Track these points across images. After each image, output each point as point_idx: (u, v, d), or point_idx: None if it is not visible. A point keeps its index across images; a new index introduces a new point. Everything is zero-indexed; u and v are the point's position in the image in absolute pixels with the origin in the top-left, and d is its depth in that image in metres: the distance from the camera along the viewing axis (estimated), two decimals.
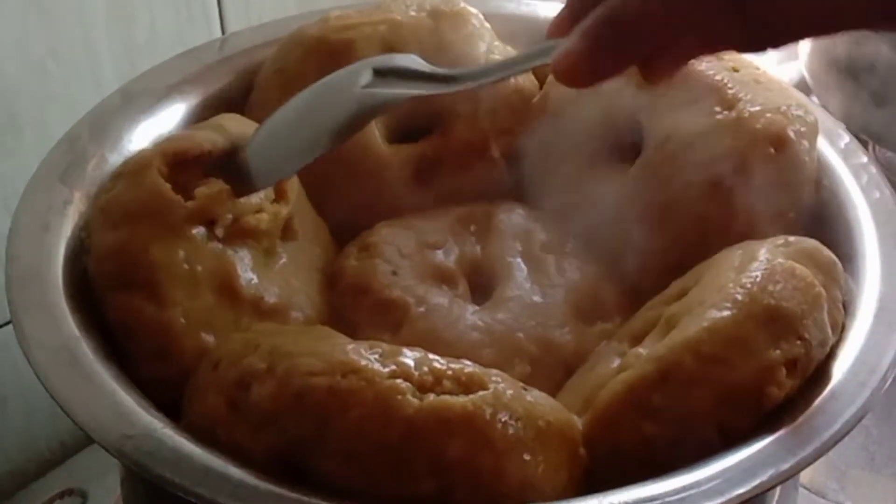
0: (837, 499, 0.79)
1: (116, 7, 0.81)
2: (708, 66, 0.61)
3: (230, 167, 0.56)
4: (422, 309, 0.57)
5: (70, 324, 0.52)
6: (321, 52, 0.65)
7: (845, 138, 0.64)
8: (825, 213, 0.60)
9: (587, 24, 0.45)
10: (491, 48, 0.67)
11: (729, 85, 0.61)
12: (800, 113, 0.61)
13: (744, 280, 0.49)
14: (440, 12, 0.67)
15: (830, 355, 0.51)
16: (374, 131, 0.64)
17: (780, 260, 0.50)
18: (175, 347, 0.53)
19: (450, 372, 0.47)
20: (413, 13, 0.67)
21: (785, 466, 0.45)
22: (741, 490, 0.44)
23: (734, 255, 0.53)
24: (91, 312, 0.54)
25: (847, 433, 0.47)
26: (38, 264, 0.54)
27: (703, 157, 0.59)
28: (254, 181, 0.55)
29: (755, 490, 0.45)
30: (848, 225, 0.59)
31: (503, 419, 0.46)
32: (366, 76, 0.55)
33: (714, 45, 0.47)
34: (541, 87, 0.68)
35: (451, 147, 0.65)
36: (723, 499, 0.44)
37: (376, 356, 0.47)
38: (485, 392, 0.46)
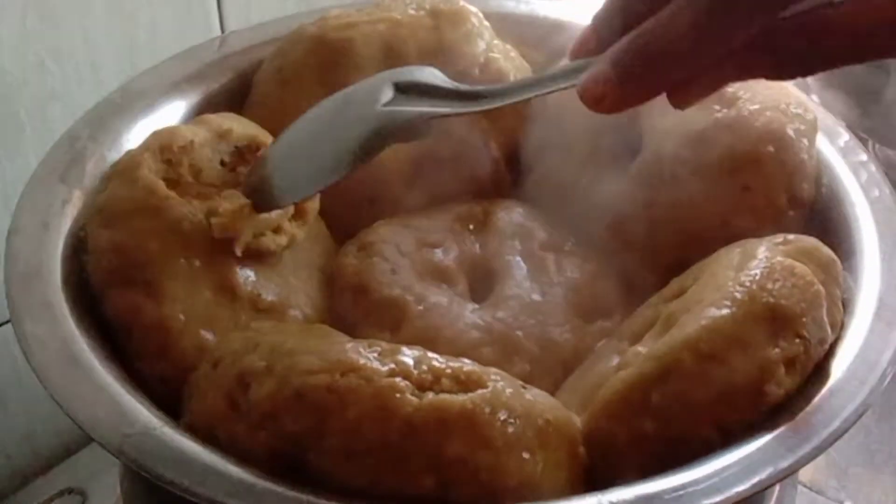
0: (837, 497, 0.79)
1: (116, 6, 0.81)
2: None
3: (252, 181, 0.57)
4: (421, 307, 0.58)
5: (69, 322, 0.52)
6: (320, 51, 0.65)
7: (845, 136, 0.64)
8: (825, 211, 0.60)
9: (618, 51, 0.45)
10: (490, 46, 0.67)
11: None
12: (799, 111, 0.61)
13: (743, 278, 0.49)
14: (439, 11, 0.67)
15: (829, 353, 0.50)
16: None
17: (780, 258, 0.50)
18: (174, 345, 0.53)
19: (449, 370, 0.47)
20: (412, 12, 0.67)
21: (784, 464, 0.45)
22: (740, 488, 0.44)
23: (733, 253, 0.53)
24: (90, 311, 0.54)
25: (846, 431, 0.47)
26: (38, 263, 0.54)
27: (702, 155, 0.59)
28: (276, 198, 0.55)
29: (754, 488, 0.45)
30: (847, 223, 0.59)
31: (502, 417, 0.46)
32: (387, 92, 0.54)
33: (744, 74, 0.47)
34: None
35: (450, 145, 0.65)
36: (722, 497, 0.44)
37: (375, 355, 0.47)
38: (484, 390, 0.46)
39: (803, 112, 0.61)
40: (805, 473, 0.79)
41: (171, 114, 0.65)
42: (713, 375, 0.47)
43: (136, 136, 0.62)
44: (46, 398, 0.48)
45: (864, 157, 0.62)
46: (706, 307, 0.49)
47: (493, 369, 0.48)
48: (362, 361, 0.46)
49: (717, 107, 0.60)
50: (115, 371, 0.51)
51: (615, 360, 0.52)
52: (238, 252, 0.55)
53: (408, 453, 0.45)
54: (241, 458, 0.46)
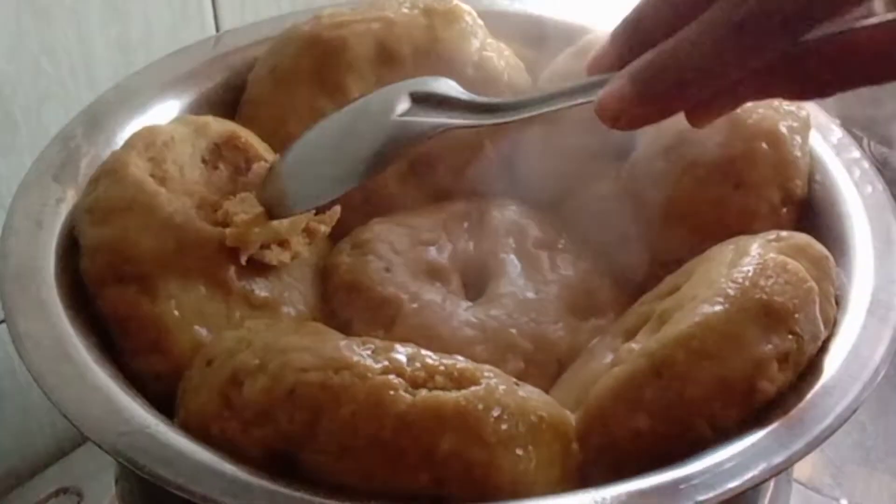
0: (833, 494, 0.79)
1: (111, 5, 0.81)
2: None
3: (266, 188, 0.57)
4: (415, 305, 0.57)
5: (64, 321, 0.52)
6: (314, 50, 0.65)
7: (838, 133, 0.64)
8: (818, 207, 0.60)
9: (637, 69, 0.45)
10: (484, 45, 0.67)
11: None
12: (792, 108, 0.61)
13: (735, 275, 0.49)
14: (433, 10, 0.67)
15: (822, 349, 0.50)
16: None
17: (772, 255, 0.51)
18: (169, 341, 0.53)
19: (442, 367, 0.47)
20: (406, 11, 0.67)
21: (777, 460, 0.45)
22: (733, 484, 0.44)
23: (726, 250, 0.53)
24: (85, 310, 0.54)
25: (839, 427, 0.47)
26: (32, 262, 0.54)
27: (695, 153, 0.59)
28: (290, 207, 0.55)
29: (747, 483, 0.45)
30: (840, 220, 0.59)
31: (495, 414, 0.46)
32: (403, 102, 0.54)
33: (763, 94, 0.47)
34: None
35: (445, 143, 0.65)
36: (715, 492, 0.44)
37: (368, 352, 0.47)
38: (477, 387, 0.46)
39: (796, 109, 0.61)
40: (800, 471, 0.79)
41: (165, 113, 0.65)
42: (706, 372, 0.47)
43: (130, 135, 0.62)
44: (42, 397, 0.48)
45: (857, 153, 0.62)
46: (699, 304, 0.49)
47: (487, 366, 0.48)
48: (356, 359, 0.46)
49: None
50: (110, 369, 0.51)
51: (609, 358, 0.52)
52: (243, 261, 0.56)
53: (401, 450, 0.45)
54: (236, 455, 0.46)
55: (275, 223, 0.56)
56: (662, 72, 0.44)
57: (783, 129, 0.60)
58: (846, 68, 0.44)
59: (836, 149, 0.63)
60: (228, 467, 0.45)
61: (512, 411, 0.46)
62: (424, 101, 0.55)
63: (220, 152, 0.60)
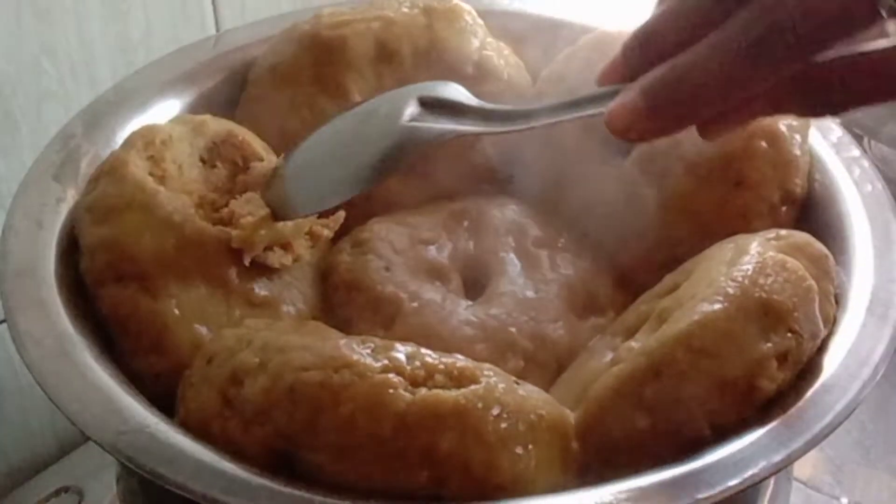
0: (833, 493, 0.79)
1: (111, 5, 0.81)
2: None
3: (270, 190, 0.57)
4: (415, 304, 0.58)
5: (64, 320, 0.52)
6: (314, 49, 0.66)
7: (838, 132, 0.64)
8: (817, 206, 0.60)
9: (649, 82, 0.45)
10: (484, 44, 0.68)
11: None
12: None
13: (735, 273, 0.49)
14: (433, 9, 0.67)
15: (822, 348, 0.51)
16: None
17: (772, 253, 0.51)
18: (170, 339, 0.53)
19: (442, 366, 0.47)
20: (406, 10, 0.67)
21: (776, 458, 0.45)
22: (733, 482, 0.45)
23: (726, 248, 0.53)
24: (85, 309, 0.54)
25: (838, 425, 0.47)
26: (32, 261, 0.54)
27: (695, 151, 0.59)
28: (292, 209, 0.55)
29: (747, 482, 0.45)
30: (840, 218, 0.59)
31: (495, 413, 0.46)
32: (412, 107, 0.54)
33: (775, 111, 0.47)
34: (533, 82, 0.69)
35: (444, 142, 0.65)
36: (715, 490, 0.44)
37: (368, 351, 0.47)
38: (476, 386, 0.46)
39: None
40: (801, 470, 0.79)
41: (165, 112, 0.65)
42: (705, 370, 0.47)
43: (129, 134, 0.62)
44: (43, 397, 0.48)
45: (856, 152, 0.62)
46: (699, 303, 0.49)
47: (487, 365, 0.48)
48: (355, 357, 0.46)
49: None
50: (110, 368, 0.51)
51: (608, 356, 0.52)
52: (246, 262, 0.56)
53: (401, 449, 0.45)
54: (236, 454, 0.46)
55: (279, 225, 0.56)
56: (674, 87, 0.44)
57: (783, 128, 0.60)
58: (858, 88, 0.44)
59: (835, 147, 0.63)
60: (228, 466, 0.45)
61: (511, 410, 0.46)
62: (433, 106, 0.55)
63: (219, 151, 0.60)
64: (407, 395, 0.45)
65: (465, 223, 0.63)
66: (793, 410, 0.47)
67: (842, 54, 0.43)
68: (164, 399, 0.51)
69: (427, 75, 0.66)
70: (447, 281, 0.60)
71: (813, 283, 0.50)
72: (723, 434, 0.47)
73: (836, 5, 0.41)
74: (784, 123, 0.60)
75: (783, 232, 0.54)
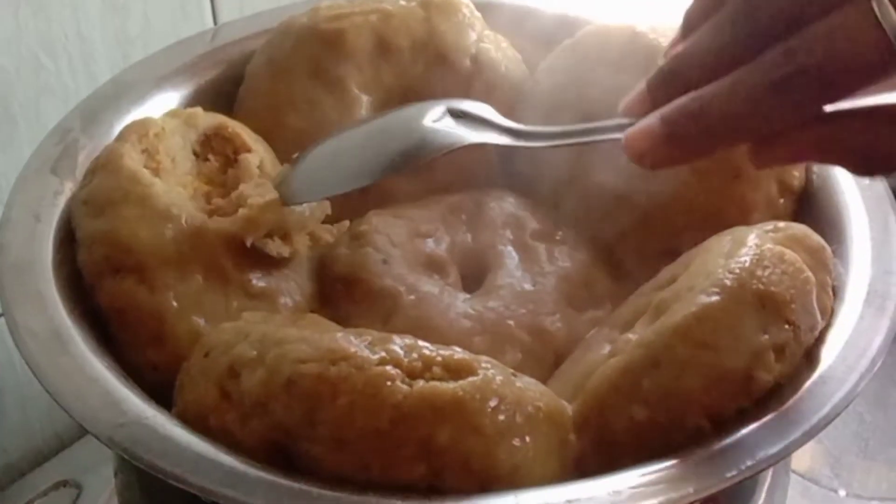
0: (831, 485, 0.79)
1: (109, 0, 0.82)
2: None
3: (280, 174, 0.57)
4: (413, 297, 0.58)
5: (61, 313, 0.52)
6: (311, 42, 0.66)
7: None
8: (815, 198, 0.60)
9: (669, 111, 0.46)
10: (481, 37, 0.68)
11: None
12: None
13: (733, 265, 0.49)
14: (430, 2, 0.67)
15: (820, 340, 0.51)
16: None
17: (770, 245, 0.51)
18: (168, 331, 0.53)
19: (439, 358, 0.47)
20: (403, 3, 0.67)
21: (774, 450, 0.45)
22: (731, 473, 0.45)
23: (724, 240, 0.53)
24: (82, 302, 0.54)
25: (836, 417, 0.47)
26: (30, 254, 0.54)
27: None
28: (293, 194, 0.56)
29: (745, 473, 0.45)
30: (838, 210, 0.59)
31: (492, 405, 0.46)
32: (438, 112, 0.55)
33: (821, 160, 0.48)
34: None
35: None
36: (712, 482, 0.44)
37: (366, 343, 0.47)
38: (474, 378, 0.46)
39: None
40: (799, 462, 0.80)
41: (162, 105, 0.65)
42: (703, 362, 0.47)
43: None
44: (41, 391, 0.48)
45: None
46: (696, 294, 0.49)
47: (484, 357, 0.48)
48: (353, 350, 0.46)
49: None
50: (107, 361, 0.51)
51: (606, 349, 0.52)
52: (248, 243, 0.56)
53: (398, 441, 0.45)
54: (233, 446, 0.46)
55: (285, 212, 0.56)
56: (694, 117, 0.45)
57: None
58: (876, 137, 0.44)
59: None
60: (226, 458, 0.46)
61: (509, 402, 0.46)
62: (459, 116, 0.56)
63: (210, 144, 0.61)
64: (404, 387, 0.45)
65: (463, 216, 0.63)
66: (791, 402, 0.47)
67: (862, 107, 0.44)
68: (161, 391, 0.51)
69: (425, 68, 0.66)
70: (445, 274, 0.60)
71: (811, 274, 0.50)
72: (721, 425, 0.47)
73: (859, 53, 0.41)
74: None
75: (781, 224, 0.54)
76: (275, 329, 0.49)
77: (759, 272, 0.49)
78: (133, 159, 0.56)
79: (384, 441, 0.45)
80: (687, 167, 0.59)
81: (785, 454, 0.46)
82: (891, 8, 0.40)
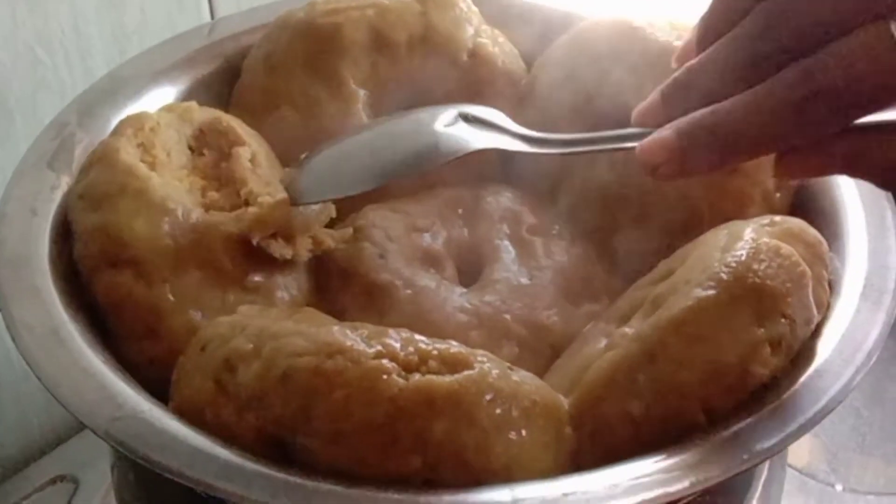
0: (828, 480, 0.79)
1: None
2: None
3: (288, 174, 0.58)
4: (409, 292, 0.58)
5: (58, 307, 0.52)
6: (308, 36, 0.65)
7: None
8: (812, 192, 0.60)
9: (688, 123, 0.46)
10: (478, 31, 0.67)
11: None
12: None
13: (729, 259, 0.49)
14: None
15: (816, 333, 0.51)
16: (362, 114, 0.65)
17: (766, 239, 0.51)
18: (164, 325, 0.53)
19: (435, 352, 0.47)
20: None
21: (770, 443, 0.46)
22: (727, 466, 0.45)
23: (720, 234, 0.53)
24: (79, 296, 0.54)
25: (832, 410, 0.47)
26: (26, 249, 0.54)
27: None
28: (300, 195, 0.56)
29: (740, 467, 0.45)
30: (834, 204, 0.59)
31: (489, 398, 0.46)
32: (449, 117, 0.55)
33: (849, 173, 0.48)
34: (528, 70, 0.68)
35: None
36: (708, 475, 0.44)
37: (362, 337, 0.47)
38: (470, 371, 0.46)
39: None
40: (796, 457, 0.80)
41: (159, 100, 0.65)
42: (699, 356, 0.47)
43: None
44: (38, 385, 0.48)
45: None
46: (692, 288, 0.49)
47: (480, 351, 0.48)
48: (349, 343, 0.46)
49: None
50: (104, 355, 0.51)
51: (603, 343, 0.52)
52: (255, 242, 0.56)
53: (394, 434, 0.45)
54: (229, 440, 0.46)
55: (293, 213, 0.56)
56: (711, 132, 0.45)
57: None
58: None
59: None
60: (222, 452, 0.46)
61: (505, 396, 0.46)
62: (471, 120, 0.56)
63: (205, 138, 0.61)
64: (400, 380, 0.45)
65: (460, 210, 0.63)
66: (787, 395, 0.48)
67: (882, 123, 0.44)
68: (158, 385, 0.51)
69: (421, 63, 0.66)
70: (442, 268, 0.60)
71: (807, 268, 0.50)
72: (717, 419, 0.47)
73: (878, 75, 0.42)
74: None
75: (777, 218, 0.54)
76: (271, 323, 0.49)
77: (755, 266, 0.49)
78: (129, 153, 0.56)
79: (380, 434, 0.45)
80: None
81: (781, 447, 0.46)
82: None
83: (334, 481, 0.44)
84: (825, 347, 0.50)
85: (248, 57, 0.68)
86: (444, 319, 0.56)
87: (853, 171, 0.47)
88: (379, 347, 0.46)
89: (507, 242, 0.61)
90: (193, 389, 0.49)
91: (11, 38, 0.77)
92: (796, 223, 0.54)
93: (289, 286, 0.57)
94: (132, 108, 0.63)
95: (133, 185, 0.55)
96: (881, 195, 0.59)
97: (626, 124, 0.62)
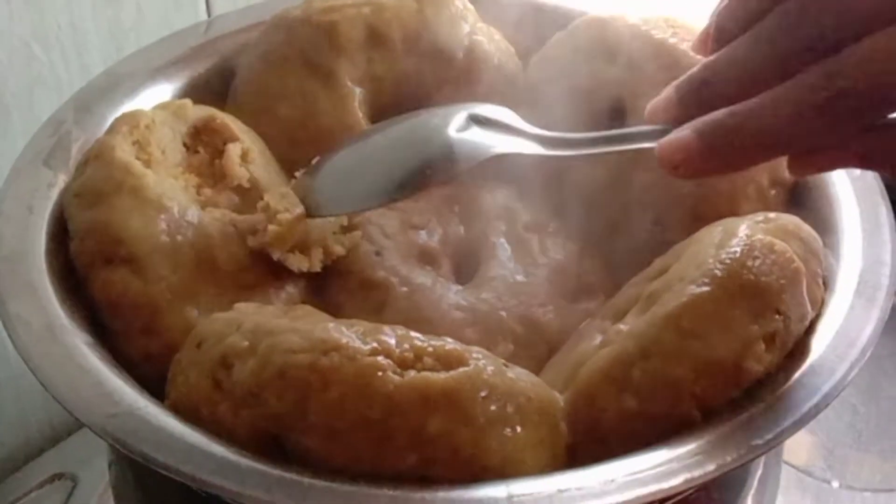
0: (825, 477, 0.79)
1: None
2: (688, 46, 0.60)
3: (301, 185, 0.57)
4: (405, 289, 0.58)
5: (54, 304, 0.52)
6: (304, 34, 0.65)
7: None
8: (807, 189, 0.60)
9: (708, 124, 0.46)
10: (474, 29, 0.67)
11: None
12: None
13: (723, 256, 0.49)
14: None
15: (810, 330, 0.51)
16: (358, 112, 0.65)
17: (760, 236, 0.51)
18: (161, 322, 0.53)
19: (430, 349, 0.47)
20: None
21: (764, 439, 0.46)
22: (721, 462, 0.45)
23: (715, 231, 0.53)
24: (75, 293, 0.54)
25: (826, 406, 0.47)
26: (23, 246, 0.54)
27: None
28: (319, 207, 0.56)
29: (735, 462, 0.45)
30: (829, 202, 0.59)
31: (483, 395, 0.46)
32: (461, 120, 0.55)
33: (862, 166, 0.48)
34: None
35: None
36: (703, 471, 0.44)
37: (357, 334, 0.47)
38: (465, 368, 0.46)
39: None
40: (793, 454, 0.80)
41: (155, 97, 0.65)
42: (693, 352, 0.47)
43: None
44: (36, 383, 0.48)
45: None
46: (686, 285, 0.49)
47: (476, 348, 0.48)
48: (344, 340, 0.46)
49: None
50: (100, 352, 0.51)
51: (598, 339, 0.52)
52: (275, 258, 0.56)
53: (390, 431, 0.45)
54: (225, 437, 0.46)
55: (309, 226, 0.56)
56: (733, 133, 0.45)
57: None
58: None
59: None
60: (218, 448, 0.46)
61: (500, 392, 0.46)
62: (483, 122, 0.56)
63: (200, 135, 0.61)
64: (395, 377, 0.45)
65: (456, 208, 0.63)
66: (781, 391, 0.48)
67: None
68: (154, 382, 0.51)
69: (417, 60, 0.66)
70: (438, 265, 0.60)
71: (801, 265, 0.50)
72: (711, 415, 0.47)
73: None
74: None
75: (772, 215, 0.54)
76: (267, 319, 0.49)
77: (749, 263, 0.49)
78: (125, 151, 0.57)
79: (375, 431, 0.45)
80: None
81: (775, 443, 0.46)
82: None
83: (330, 478, 0.44)
84: (819, 344, 0.50)
85: (245, 55, 0.68)
86: (439, 317, 0.57)
87: (868, 166, 0.47)
88: (374, 344, 0.46)
89: (502, 240, 0.61)
90: (190, 386, 0.49)
91: (7, 33, 0.77)
92: (791, 220, 0.54)
93: (285, 283, 0.57)
94: (129, 106, 0.63)
95: (129, 182, 0.55)
96: (876, 192, 0.59)
97: (623, 121, 0.62)
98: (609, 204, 0.61)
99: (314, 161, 0.59)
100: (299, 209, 0.56)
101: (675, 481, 0.44)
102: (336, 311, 0.56)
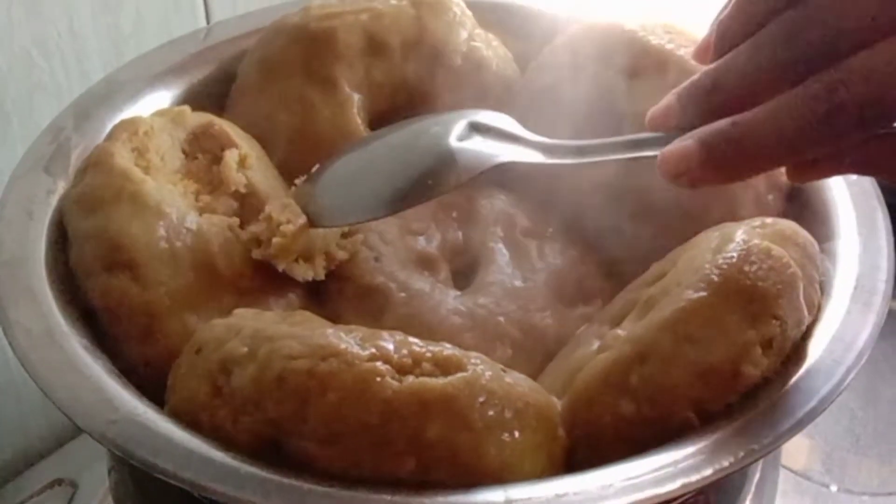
0: (823, 480, 0.79)
1: None
2: (685, 53, 0.61)
3: (302, 194, 0.57)
4: (403, 295, 0.58)
5: (54, 310, 0.52)
6: (303, 41, 0.66)
7: None
8: (803, 194, 0.61)
9: (711, 133, 0.46)
10: (472, 35, 0.68)
11: None
12: None
13: (720, 261, 0.49)
14: (421, 1, 0.67)
15: (807, 335, 0.51)
16: (357, 119, 0.65)
17: (757, 241, 0.51)
18: (160, 328, 0.54)
19: (428, 354, 0.47)
20: (394, 1, 0.67)
21: (762, 443, 0.46)
22: (718, 466, 0.45)
23: (712, 236, 0.53)
24: (75, 299, 0.54)
25: (823, 410, 0.48)
26: (22, 252, 0.55)
27: None
28: (320, 218, 0.56)
29: (732, 467, 0.45)
30: (825, 207, 0.59)
31: (482, 400, 0.46)
32: (462, 129, 0.55)
33: (863, 173, 0.49)
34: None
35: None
36: (700, 475, 0.44)
37: (356, 339, 0.47)
38: (463, 374, 0.46)
39: None
40: (791, 458, 0.80)
41: (155, 104, 0.66)
42: (690, 357, 0.47)
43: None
44: (36, 389, 0.48)
45: None
46: (683, 290, 0.49)
47: (474, 353, 0.48)
48: (343, 346, 0.46)
49: None
50: (100, 358, 0.51)
51: (596, 344, 0.52)
52: (280, 269, 0.56)
53: (388, 436, 0.45)
54: (225, 442, 0.47)
55: (312, 235, 0.56)
56: (736, 143, 0.45)
57: None
58: None
59: None
60: (217, 454, 0.46)
61: (498, 397, 0.47)
62: (483, 130, 0.56)
63: (199, 142, 0.61)
64: (394, 382, 0.45)
65: (454, 213, 0.63)
66: (778, 395, 0.48)
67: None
68: (154, 388, 0.51)
69: (416, 67, 0.66)
70: (436, 271, 0.60)
71: (797, 270, 0.50)
72: (708, 419, 0.47)
73: None
74: None
75: (768, 220, 0.54)
76: (266, 325, 0.50)
77: (746, 268, 0.49)
78: (124, 157, 0.57)
79: (374, 436, 0.45)
80: None
81: (773, 448, 0.46)
82: None
83: (329, 483, 0.44)
84: (816, 348, 0.50)
85: (244, 61, 0.68)
86: (438, 322, 0.57)
87: (868, 173, 0.47)
88: (373, 350, 0.46)
89: (501, 245, 0.61)
90: (189, 392, 0.49)
91: (8, 40, 0.77)
92: (787, 225, 0.54)
93: (284, 289, 0.58)
94: (128, 113, 0.63)
95: (128, 189, 0.55)
96: (872, 196, 0.59)
97: (620, 129, 0.62)
98: (607, 209, 0.62)
99: (314, 169, 0.59)
100: (302, 220, 0.56)
101: (673, 486, 0.44)
102: (335, 317, 0.56)
